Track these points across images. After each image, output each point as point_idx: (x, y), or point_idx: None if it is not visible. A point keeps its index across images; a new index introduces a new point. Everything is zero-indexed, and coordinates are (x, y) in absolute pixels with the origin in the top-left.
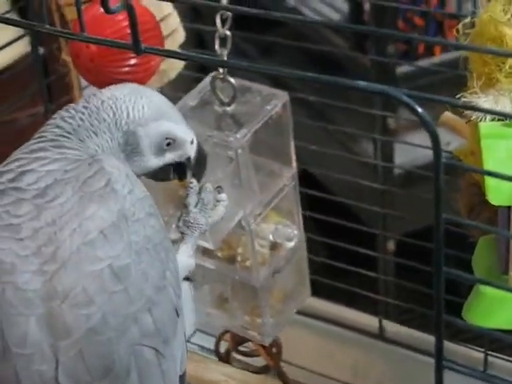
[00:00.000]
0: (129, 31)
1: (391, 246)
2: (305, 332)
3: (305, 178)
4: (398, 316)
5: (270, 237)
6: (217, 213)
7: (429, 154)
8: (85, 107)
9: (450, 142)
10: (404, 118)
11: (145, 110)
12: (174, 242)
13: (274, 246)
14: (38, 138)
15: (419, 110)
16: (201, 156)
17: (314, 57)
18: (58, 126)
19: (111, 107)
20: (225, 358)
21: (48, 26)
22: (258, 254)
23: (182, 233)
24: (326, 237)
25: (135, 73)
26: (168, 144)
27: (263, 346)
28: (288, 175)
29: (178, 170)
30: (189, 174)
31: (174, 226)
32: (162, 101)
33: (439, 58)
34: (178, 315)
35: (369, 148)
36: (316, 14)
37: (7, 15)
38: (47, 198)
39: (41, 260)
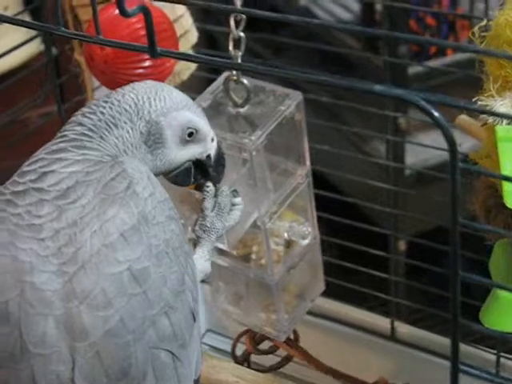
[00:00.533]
0: (143, 33)
1: (402, 246)
2: (316, 333)
3: (316, 179)
4: (410, 316)
5: (285, 235)
6: (232, 217)
7: (440, 155)
8: (105, 101)
9: (462, 143)
10: (415, 119)
11: (166, 100)
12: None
13: (288, 244)
14: (60, 137)
15: (436, 114)
16: (220, 155)
17: (326, 57)
18: (79, 124)
19: (133, 98)
20: (241, 361)
21: (64, 29)
22: (273, 252)
23: (199, 237)
24: (337, 237)
25: (150, 75)
26: (190, 134)
27: None
28: (302, 173)
29: (198, 172)
30: (209, 173)
31: (189, 228)
32: (182, 95)
33: (451, 58)
34: (194, 319)
35: (380, 148)
36: (327, 13)
37: (19, 16)
38: (68, 200)
39: (61, 261)
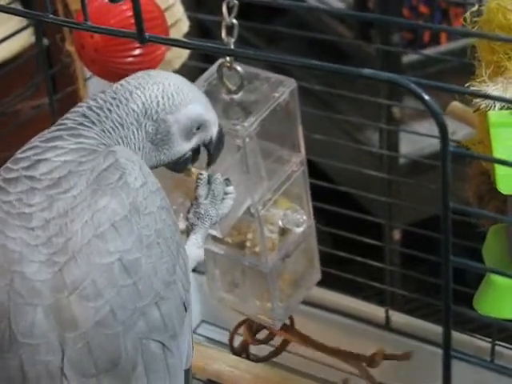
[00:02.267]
0: (133, 21)
1: (397, 235)
2: (311, 322)
3: (309, 168)
4: (405, 306)
5: (280, 223)
6: (225, 205)
7: (435, 143)
8: (113, 98)
9: (456, 132)
10: (409, 107)
11: (174, 97)
12: (182, 231)
13: (283, 232)
14: (58, 125)
15: (427, 98)
16: (221, 137)
17: (319, 45)
18: (83, 115)
19: (140, 97)
20: (240, 352)
21: (52, 16)
22: (267, 239)
23: (193, 224)
24: (332, 227)
25: (140, 63)
26: (198, 128)
27: None
28: (297, 161)
29: (194, 157)
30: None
31: (181, 215)
32: (187, 85)
33: (445, 46)
34: (186, 310)
35: (374, 137)
36: (320, 1)
37: (11, 5)
38: (60, 189)
39: (51, 250)
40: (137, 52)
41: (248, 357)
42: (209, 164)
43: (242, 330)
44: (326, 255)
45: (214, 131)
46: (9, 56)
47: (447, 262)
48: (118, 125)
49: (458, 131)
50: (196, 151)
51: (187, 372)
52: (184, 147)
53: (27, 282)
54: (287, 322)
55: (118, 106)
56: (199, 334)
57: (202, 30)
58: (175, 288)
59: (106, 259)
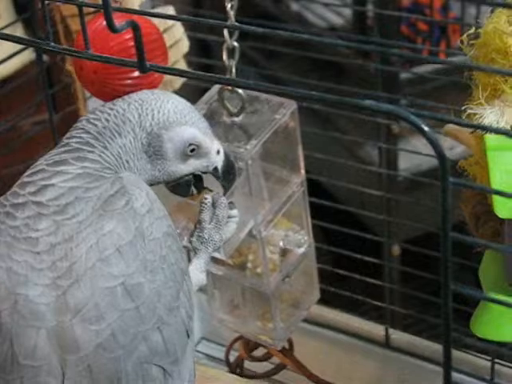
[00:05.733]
0: (133, 43)
1: (397, 251)
2: (311, 340)
3: (309, 186)
4: (405, 323)
5: (281, 243)
6: (228, 229)
7: (434, 159)
8: (111, 108)
9: (453, 147)
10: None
11: (170, 113)
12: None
13: (284, 252)
14: (64, 145)
15: (426, 129)
16: (230, 166)
17: (319, 61)
18: (85, 131)
19: (137, 109)
20: (234, 367)
21: (54, 45)
22: (269, 260)
23: (196, 248)
24: (331, 244)
25: (139, 85)
26: (192, 150)
27: None
28: (297, 181)
29: (200, 184)
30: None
31: (185, 238)
32: (189, 108)
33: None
34: (188, 336)
35: (373, 152)
36: (319, 18)
37: (12, 26)
38: (67, 216)
39: (55, 274)
40: (136, 74)
41: (242, 372)
42: (224, 194)
43: (238, 344)
44: (325, 272)
45: (217, 160)
46: (10, 73)
47: (447, 287)
48: (115, 133)
49: (456, 147)
50: (198, 178)
51: None
52: (179, 168)
53: (31, 304)
54: (286, 344)
55: (115, 115)
56: (199, 351)
57: (204, 48)
58: (178, 314)
59: (109, 283)
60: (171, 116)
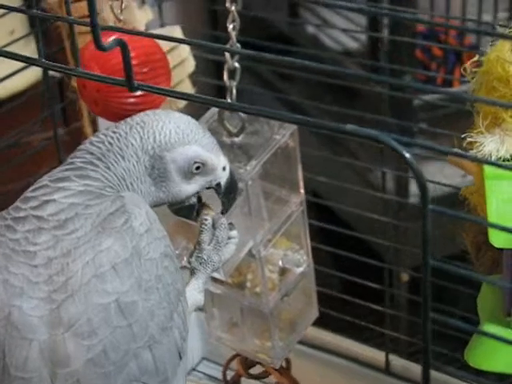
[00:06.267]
0: (135, 62)
1: (405, 277)
2: (310, 363)
3: (319, 210)
4: (408, 350)
5: (280, 263)
6: (228, 250)
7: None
8: (114, 132)
9: (466, 175)
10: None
11: (172, 134)
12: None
13: (283, 272)
14: (67, 164)
15: (408, 156)
16: (232, 183)
17: (334, 85)
18: (88, 152)
19: (138, 132)
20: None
21: (45, 61)
22: (268, 279)
23: (194, 268)
24: (339, 269)
25: (142, 103)
26: (197, 168)
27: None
28: (296, 201)
29: (201, 205)
30: (215, 206)
31: (185, 258)
32: (192, 126)
33: (458, 88)
34: (180, 357)
35: (390, 182)
36: (335, 42)
37: (25, 39)
38: (66, 231)
39: (51, 288)
40: (139, 93)
41: None
42: (222, 212)
43: (235, 362)
44: (329, 297)
45: (222, 176)
46: (23, 88)
47: (426, 321)
48: (119, 157)
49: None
50: (199, 201)
51: None
52: (185, 188)
53: (24, 316)
54: (284, 364)
55: (118, 139)
56: (200, 371)
57: (214, 66)
58: (171, 334)
59: (103, 299)
60: (173, 137)
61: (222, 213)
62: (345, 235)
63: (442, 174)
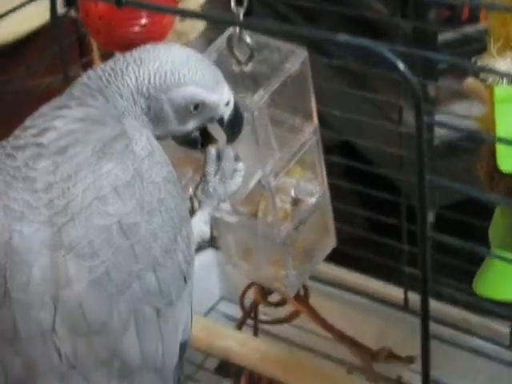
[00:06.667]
0: None
1: (431, 217)
2: (329, 301)
3: (344, 147)
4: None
5: (292, 192)
6: (234, 182)
7: (473, 125)
8: (112, 69)
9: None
10: (445, 88)
11: (167, 75)
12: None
13: (296, 201)
14: (66, 94)
15: (401, 66)
16: (237, 117)
17: (356, 22)
18: (85, 85)
19: (134, 72)
20: (249, 310)
21: None
22: (280, 209)
23: (200, 200)
24: (365, 207)
25: (147, 32)
26: (196, 108)
27: None
28: (309, 130)
29: (207, 137)
30: (221, 137)
31: (191, 189)
32: (191, 64)
33: (485, 24)
34: (186, 281)
35: (410, 116)
36: None
37: None
38: (66, 156)
39: (51, 212)
40: (143, 21)
41: (256, 316)
42: (227, 142)
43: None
44: (345, 233)
45: (223, 111)
46: (26, 32)
47: (424, 237)
48: (117, 95)
49: None
50: (204, 132)
51: (183, 345)
52: (183, 127)
53: (25, 240)
54: (302, 292)
55: (115, 77)
56: (218, 311)
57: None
58: (175, 257)
59: (104, 221)
60: (168, 78)
61: (227, 143)
62: (366, 172)
63: (467, 113)
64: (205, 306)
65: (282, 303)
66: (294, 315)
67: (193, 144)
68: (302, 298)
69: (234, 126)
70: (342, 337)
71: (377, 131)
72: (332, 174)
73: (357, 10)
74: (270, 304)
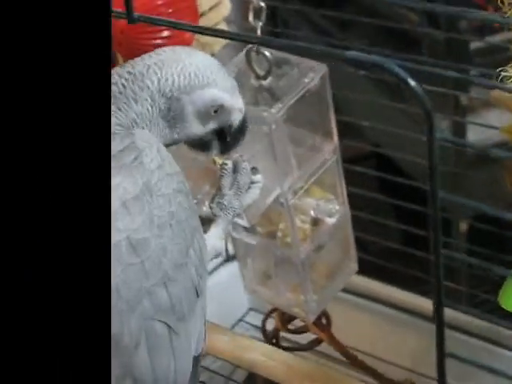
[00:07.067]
0: (160, 2)
1: (463, 227)
2: (357, 312)
3: (378, 159)
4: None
5: (311, 212)
6: (250, 195)
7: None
8: (129, 72)
9: None
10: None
11: (191, 77)
12: (205, 220)
13: (315, 222)
14: None
15: (412, 82)
16: (243, 125)
17: (389, 32)
18: None
19: (156, 73)
20: (271, 337)
21: None
22: (299, 229)
23: (215, 214)
24: (400, 220)
25: (169, 44)
26: (215, 111)
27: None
28: (329, 149)
29: (221, 141)
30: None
31: (206, 203)
32: (212, 67)
33: None
34: (198, 295)
35: (442, 125)
36: None
37: None
38: None
39: None
40: (165, 34)
41: (278, 343)
42: (222, 152)
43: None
44: (378, 247)
45: (236, 117)
46: None
47: (438, 257)
48: (131, 100)
49: None
50: (221, 137)
51: (197, 359)
52: (200, 129)
53: None
54: (324, 320)
55: (132, 81)
56: (247, 322)
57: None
58: (186, 271)
59: (113, 237)
60: (192, 79)
61: (222, 153)
62: (401, 184)
63: (499, 122)
64: (233, 317)
65: (303, 330)
66: (315, 343)
67: (206, 148)
68: (324, 326)
69: (239, 134)
70: (362, 366)
71: (413, 144)
72: (367, 187)
73: (390, 20)
74: (291, 331)
